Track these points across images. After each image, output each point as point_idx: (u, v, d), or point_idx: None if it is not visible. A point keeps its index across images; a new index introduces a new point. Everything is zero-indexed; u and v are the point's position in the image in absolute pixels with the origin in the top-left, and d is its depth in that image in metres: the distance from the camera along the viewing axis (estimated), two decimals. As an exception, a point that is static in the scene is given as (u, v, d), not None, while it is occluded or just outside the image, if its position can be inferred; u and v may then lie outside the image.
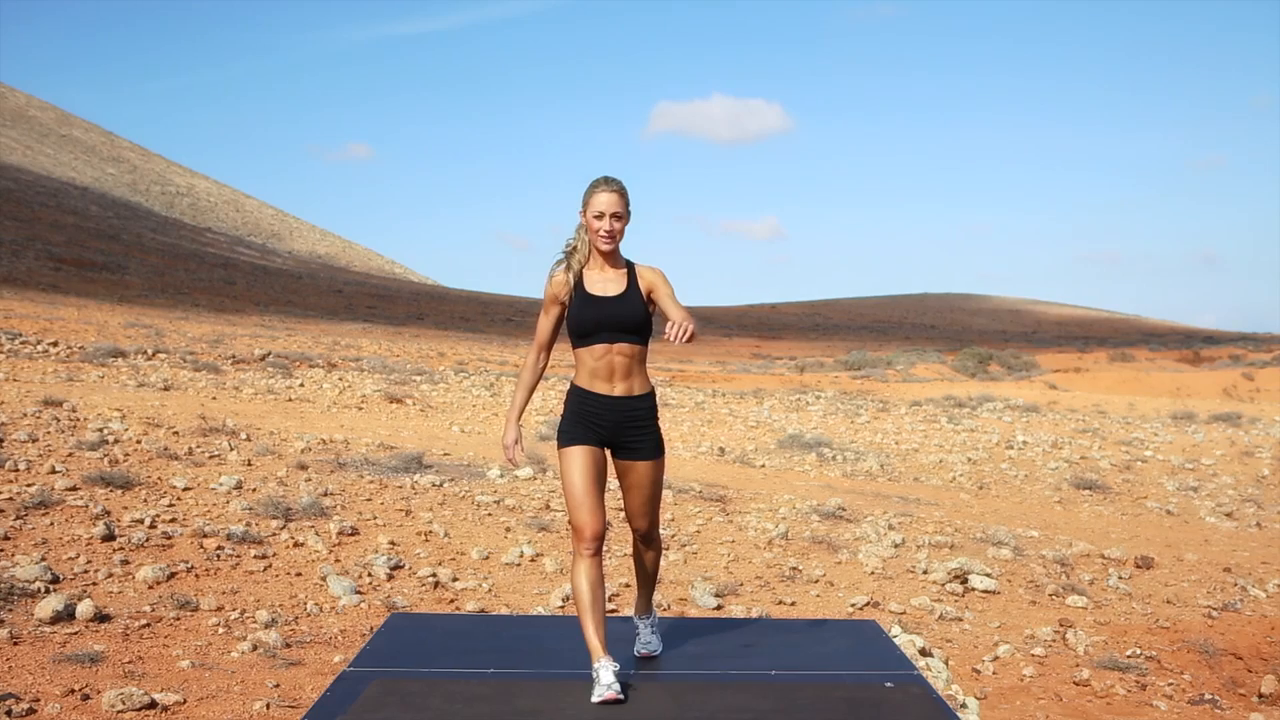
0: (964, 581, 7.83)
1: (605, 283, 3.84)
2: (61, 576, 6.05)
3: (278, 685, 5.09)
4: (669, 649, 4.17)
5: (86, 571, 6.20)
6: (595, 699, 3.50)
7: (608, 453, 3.86)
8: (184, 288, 47.03)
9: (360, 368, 20.97)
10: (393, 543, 7.41)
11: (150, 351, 18.55)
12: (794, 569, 7.85)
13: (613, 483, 4.28)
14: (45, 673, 4.88)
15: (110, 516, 7.08)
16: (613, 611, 6.32)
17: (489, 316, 63.97)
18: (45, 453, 8.49)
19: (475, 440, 12.68)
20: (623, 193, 3.80)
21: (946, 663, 5.98)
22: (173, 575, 6.32)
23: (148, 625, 5.61)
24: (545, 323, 3.92)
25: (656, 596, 6.12)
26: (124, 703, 4.62)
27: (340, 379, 18.03)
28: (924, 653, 5.86)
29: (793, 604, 7.14)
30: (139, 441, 9.35)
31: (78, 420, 10.13)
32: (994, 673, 6.34)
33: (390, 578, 6.83)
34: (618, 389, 3.81)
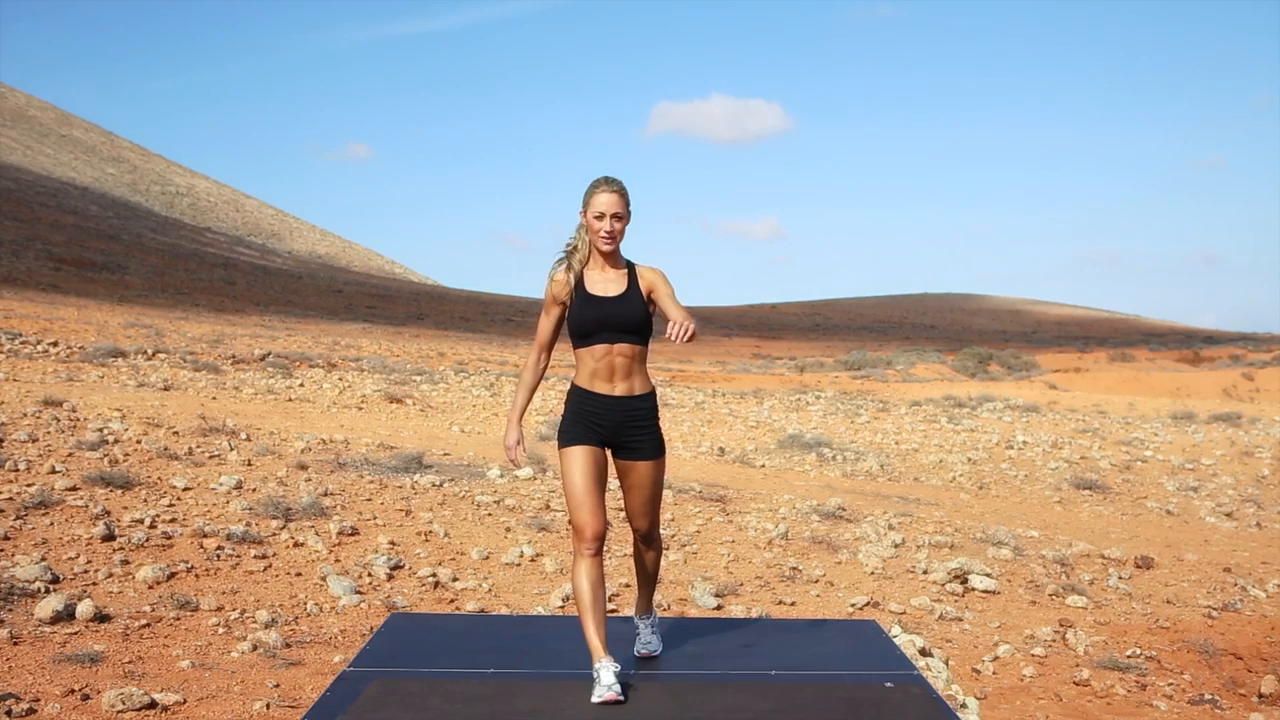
0: (964, 581, 7.83)
1: (606, 283, 3.84)
2: (61, 576, 6.05)
3: (278, 685, 5.09)
4: (669, 649, 4.17)
5: (86, 571, 6.20)
6: (595, 699, 3.50)
7: (608, 453, 3.87)
8: (184, 288, 47.04)
9: (360, 368, 20.97)
10: (393, 543, 7.41)
11: (150, 351, 18.55)
12: (794, 569, 7.85)
13: (613, 483, 4.29)
14: (45, 673, 4.89)
15: (110, 516, 7.08)
16: (613, 611, 6.32)
17: (489, 316, 63.97)
18: (45, 453, 8.49)
19: (475, 440, 12.68)
20: (623, 193, 3.81)
21: (946, 663, 5.98)
22: (173, 575, 6.32)
23: (148, 625, 5.61)
24: (546, 323, 3.92)
25: (657, 596, 6.12)
26: (124, 703, 4.62)
27: (340, 379, 18.03)
28: (924, 653, 5.86)
29: (793, 604, 7.14)
30: (139, 441, 9.35)
31: (78, 420, 10.13)
32: (994, 673, 6.34)
33: (390, 578, 6.83)
34: (618, 389, 3.81)
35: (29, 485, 7.47)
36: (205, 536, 6.96)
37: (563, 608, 6.53)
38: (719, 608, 6.90)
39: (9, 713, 4.45)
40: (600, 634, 3.64)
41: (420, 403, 16.11)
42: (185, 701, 4.78)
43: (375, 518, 7.93)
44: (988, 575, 7.96)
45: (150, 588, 6.11)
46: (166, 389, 14.00)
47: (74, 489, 7.56)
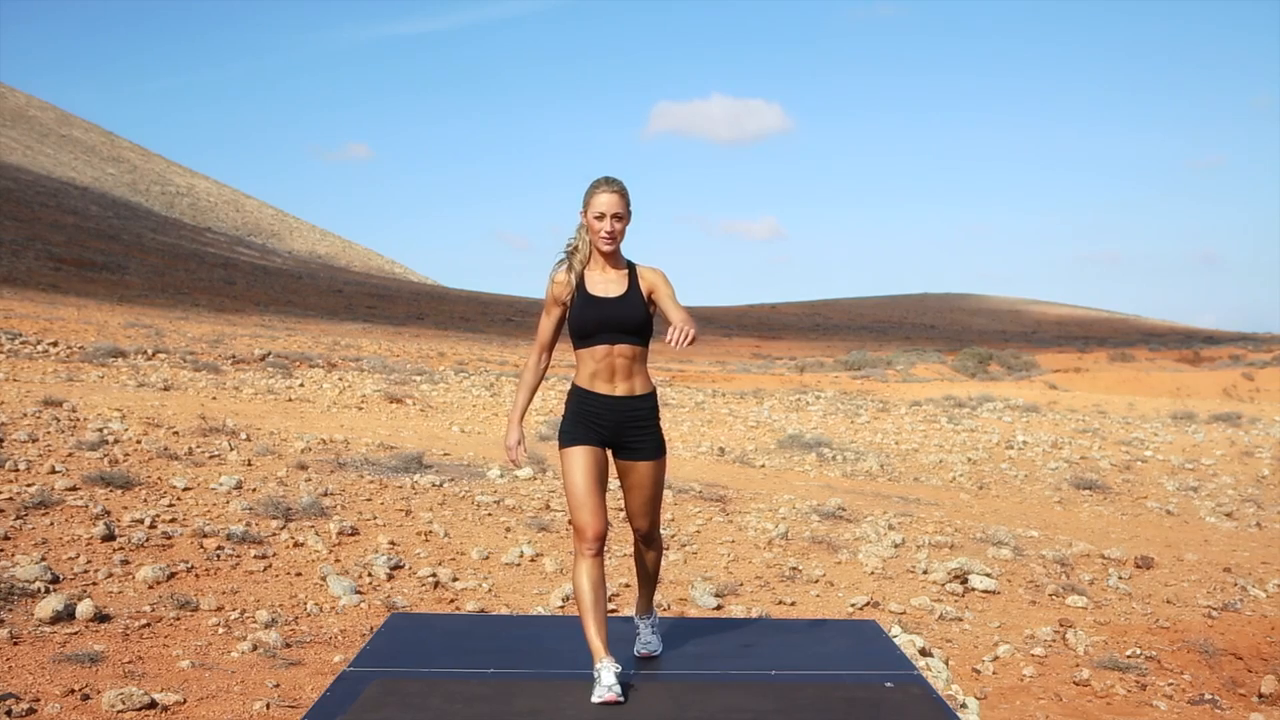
0: (964, 581, 7.83)
1: (606, 283, 3.84)
2: (61, 576, 6.05)
3: (278, 685, 5.09)
4: (669, 649, 4.17)
5: (86, 571, 6.20)
6: (595, 699, 3.50)
7: (609, 453, 3.87)
8: (184, 288, 47.04)
9: (360, 368, 20.97)
10: (393, 543, 7.41)
11: (150, 351, 18.55)
12: (794, 569, 7.85)
13: (613, 483, 4.28)
14: (45, 673, 4.89)
15: (110, 516, 7.08)
16: (613, 611, 6.32)
17: (489, 316, 63.97)
18: (45, 453, 8.49)
19: (475, 440, 12.68)
20: (623, 193, 3.81)
21: (946, 663, 5.98)
22: (173, 575, 6.32)
23: (148, 625, 5.61)
24: (546, 323, 3.93)
25: (657, 596, 6.12)
26: (124, 703, 4.62)
27: (340, 379, 18.03)
28: (924, 653, 5.86)
29: (793, 604, 7.14)
30: (139, 441, 9.35)
31: (78, 420, 10.13)
32: (994, 673, 6.34)
33: (390, 578, 6.83)
34: (619, 389, 3.81)
35: (29, 485, 7.47)
36: (205, 536, 6.96)
37: (563, 608, 6.53)
38: (719, 608, 6.90)
39: (9, 713, 4.45)
40: (601, 634, 3.64)
41: (420, 403, 16.11)
42: (185, 701, 4.78)
43: (375, 518, 7.93)
44: (988, 575, 7.97)
45: (150, 588, 6.11)
46: (166, 389, 14.00)
47: (74, 489, 7.56)
